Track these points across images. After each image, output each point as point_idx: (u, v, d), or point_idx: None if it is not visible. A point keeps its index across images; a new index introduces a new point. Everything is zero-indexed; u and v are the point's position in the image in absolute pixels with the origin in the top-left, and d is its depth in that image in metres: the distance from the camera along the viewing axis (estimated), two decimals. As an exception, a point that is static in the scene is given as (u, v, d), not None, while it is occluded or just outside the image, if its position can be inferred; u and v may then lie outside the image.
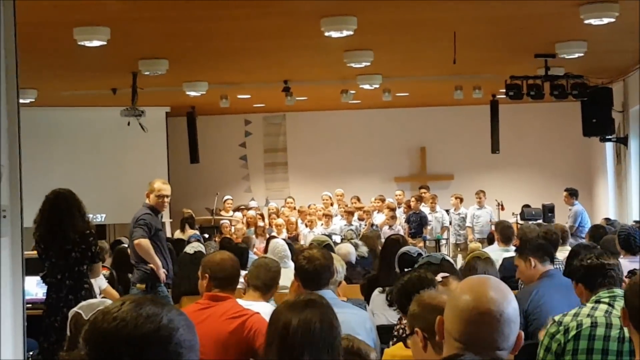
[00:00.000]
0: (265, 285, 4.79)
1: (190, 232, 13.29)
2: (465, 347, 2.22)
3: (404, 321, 3.76)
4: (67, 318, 6.11)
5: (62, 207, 6.33)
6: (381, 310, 5.45)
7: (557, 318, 3.76)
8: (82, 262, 6.32)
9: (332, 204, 16.00)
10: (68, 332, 3.76)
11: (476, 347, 2.20)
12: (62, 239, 6.27)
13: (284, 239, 10.01)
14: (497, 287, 2.30)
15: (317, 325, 2.88)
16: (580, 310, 3.74)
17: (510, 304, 2.26)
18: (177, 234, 13.75)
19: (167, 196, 7.77)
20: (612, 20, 8.65)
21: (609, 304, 3.70)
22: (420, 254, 5.84)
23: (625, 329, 3.47)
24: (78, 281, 6.29)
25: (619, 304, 3.63)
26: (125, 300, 1.59)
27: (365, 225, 14.87)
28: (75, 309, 3.80)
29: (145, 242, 7.35)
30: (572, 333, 3.63)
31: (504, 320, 2.23)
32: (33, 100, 13.42)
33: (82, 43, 9.05)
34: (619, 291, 3.73)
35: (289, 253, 7.87)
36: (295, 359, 2.83)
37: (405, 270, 5.59)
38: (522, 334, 2.30)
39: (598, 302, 3.74)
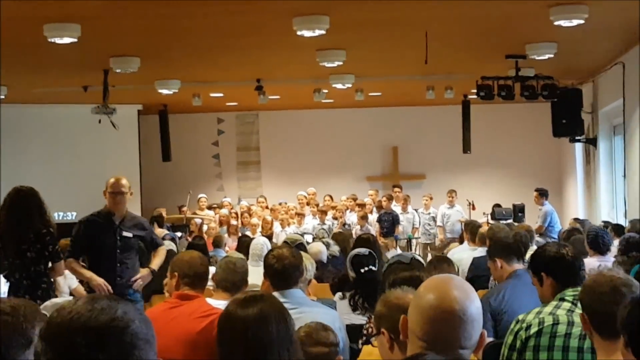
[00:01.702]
0: (235, 285, 4.78)
1: (158, 231, 13.20)
2: (429, 346, 2.23)
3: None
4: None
5: (21, 205, 6.26)
6: (345, 315, 5.45)
7: (520, 317, 3.78)
8: (39, 261, 6.25)
9: (308, 203, 16.02)
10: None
11: (439, 346, 2.21)
12: (18, 238, 6.21)
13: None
14: (461, 286, 2.31)
15: (272, 318, 2.83)
16: (543, 308, 3.76)
17: (473, 303, 2.28)
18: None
19: (120, 193, 6.65)
20: (582, 22, 8.74)
21: (572, 302, 3.71)
22: (371, 253, 5.86)
23: None
24: (35, 281, 6.24)
25: None
26: (80, 298, 1.61)
27: (338, 224, 14.90)
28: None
29: (67, 265, 6.63)
30: (534, 330, 3.65)
31: (467, 319, 2.24)
32: (3, 97, 13.30)
33: (52, 40, 8.98)
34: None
35: (264, 252, 7.87)
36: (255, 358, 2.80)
37: (362, 271, 5.62)
38: (485, 333, 2.31)
39: (562, 300, 3.75)
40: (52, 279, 6.51)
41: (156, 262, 6.85)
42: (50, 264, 6.36)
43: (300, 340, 3.62)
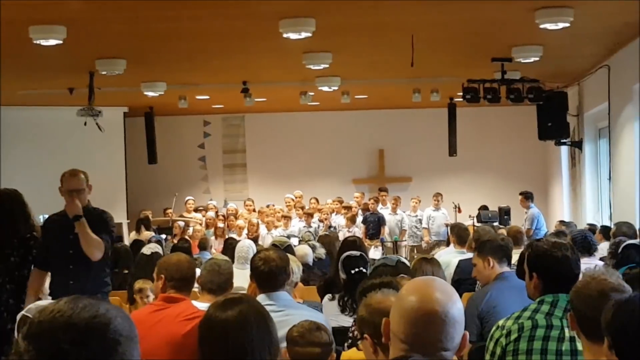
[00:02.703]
0: (220, 287, 4.77)
1: (145, 233, 13.18)
2: (411, 348, 2.23)
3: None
4: (7, 322, 6.03)
5: (5, 209, 6.18)
6: (333, 317, 5.46)
7: (500, 323, 3.76)
8: (23, 266, 6.18)
9: (295, 206, 16.04)
10: (16, 335, 3.71)
11: (421, 348, 2.21)
12: (1, 243, 6.13)
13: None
14: (443, 288, 2.31)
15: (252, 320, 2.82)
16: (522, 313, 3.73)
17: (455, 305, 2.28)
18: (133, 236, 13.64)
19: (76, 190, 5.98)
20: (567, 25, 8.78)
21: (551, 305, 3.70)
22: (362, 255, 5.90)
23: (567, 329, 3.51)
24: (19, 285, 6.17)
25: (562, 304, 3.63)
26: (62, 299, 1.62)
27: (324, 226, 14.91)
28: (23, 312, 3.74)
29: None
30: (514, 336, 3.63)
31: (449, 320, 2.24)
32: (-13, 99, 13.25)
33: (37, 42, 8.95)
34: (562, 294, 3.69)
35: (250, 255, 7.86)
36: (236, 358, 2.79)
37: (352, 272, 5.68)
38: (467, 334, 2.32)
39: (541, 302, 3.74)
40: None
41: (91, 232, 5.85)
42: (33, 268, 6.30)
43: (293, 339, 3.62)
